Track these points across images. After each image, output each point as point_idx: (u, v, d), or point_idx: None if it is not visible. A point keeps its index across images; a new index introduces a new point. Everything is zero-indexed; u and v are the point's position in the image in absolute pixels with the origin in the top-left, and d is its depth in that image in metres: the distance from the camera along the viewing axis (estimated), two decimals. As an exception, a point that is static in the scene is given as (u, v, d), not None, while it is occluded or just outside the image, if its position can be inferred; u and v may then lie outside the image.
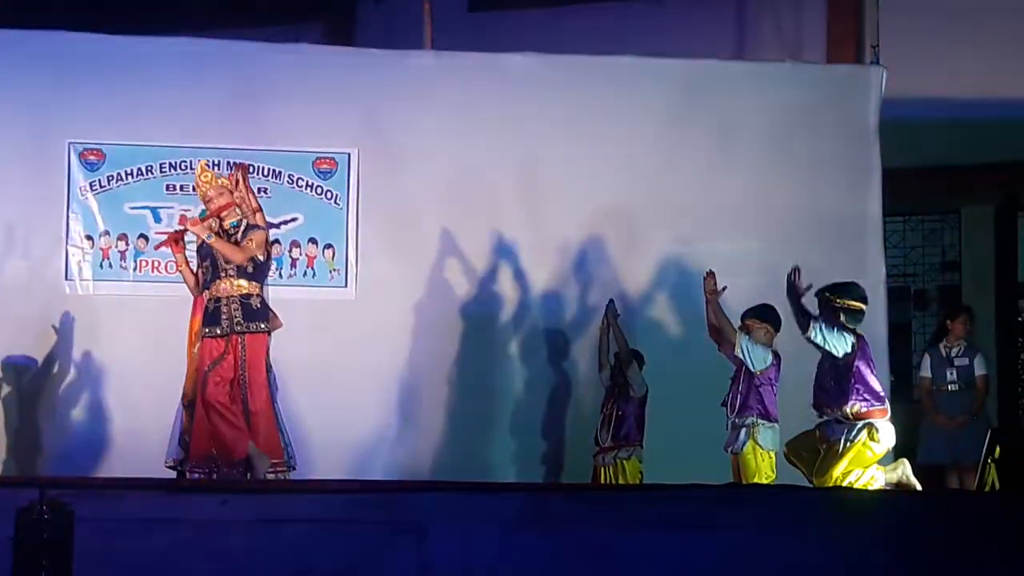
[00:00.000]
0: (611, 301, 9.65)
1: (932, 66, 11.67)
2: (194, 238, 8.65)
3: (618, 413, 9.38)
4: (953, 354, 10.58)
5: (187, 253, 8.80)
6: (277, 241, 9.78)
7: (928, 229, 13.31)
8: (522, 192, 10.30)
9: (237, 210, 8.61)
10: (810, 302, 8.29)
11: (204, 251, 8.57)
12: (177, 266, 8.79)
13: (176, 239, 8.72)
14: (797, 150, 10.38)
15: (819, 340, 8.09)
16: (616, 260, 10.33)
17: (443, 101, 10.30)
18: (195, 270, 8.69)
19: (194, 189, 8.84)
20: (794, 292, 8.14)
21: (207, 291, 8.55)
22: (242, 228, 8.57)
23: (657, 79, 10.47)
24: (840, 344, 8.10)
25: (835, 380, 8.16)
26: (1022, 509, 7.00)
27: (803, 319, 8.10)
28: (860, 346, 8.19)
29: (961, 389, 10.51)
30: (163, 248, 9.01)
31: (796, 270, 8.16)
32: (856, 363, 8.13)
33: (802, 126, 10.39)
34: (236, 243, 8.48)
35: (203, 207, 8.76)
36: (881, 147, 10.38)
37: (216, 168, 9.67)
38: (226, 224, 8.57)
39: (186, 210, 9.51)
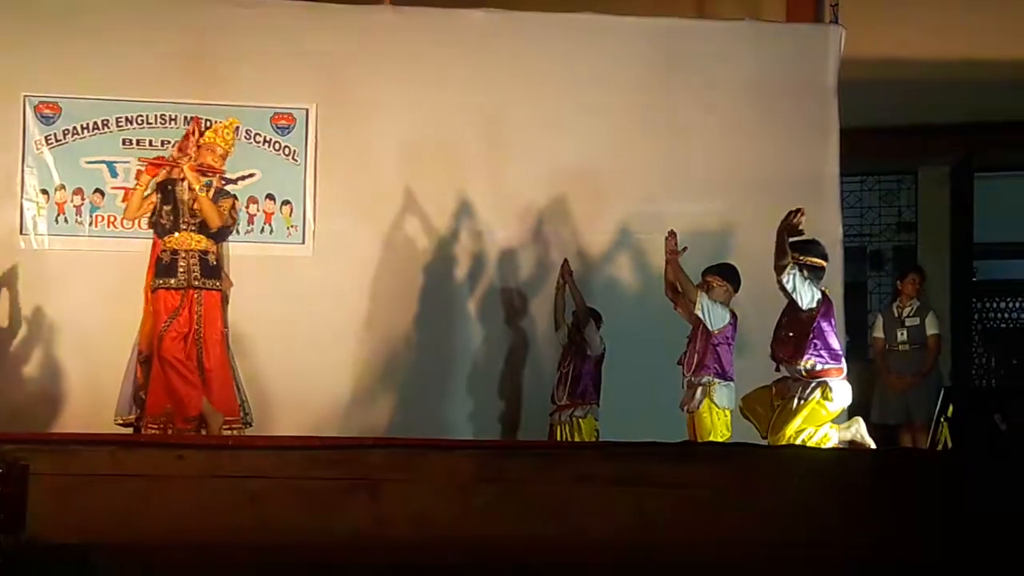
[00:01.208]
0: (565, 261, 9.66)
1: (890, 26, 11.69)
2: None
3: (574, 372, 9.41)
4: (904, 314, 10.68)
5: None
6: (235, 197, 9.73)
7: (884, 189, 13.38)
8: (483, 150, 10.27)
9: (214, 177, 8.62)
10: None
11: (169, 196, 8.53)
12: (139, 181, 8.67)
13: (161, 165, 8.66)
14: (755, 109, 10.38)
15: (790, 286, 8.05)
16: (576, 219, 10.32)
17: (403, 57, 10.24)
18: (144, 197, 8.64)
19: (163, 144, 8.82)
20: (787, 230, 8.06)
21: (163, 241, 8.52)
22: (211, 191, 8.54)
23: (616, 37, 10.43)
24: (807, 296, 8.10)
25: (794, 333, 8.17)
26: (975, 467, 7.06)
27: (782, 260, 8.03)
28: (825, 304, 8.21)
29: (912, 349, 10.60)
30: (143, 162, 8.92)
31: (799, 211, 8.07)
32: (818, 320, 8.13)
33: (761, 85, 10.39)
34: None
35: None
36: (839, 107, 10.40)
37: (173, 123, 9.70)
38: (201, 180, 8.53)
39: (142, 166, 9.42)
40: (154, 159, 8.82)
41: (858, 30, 10.65)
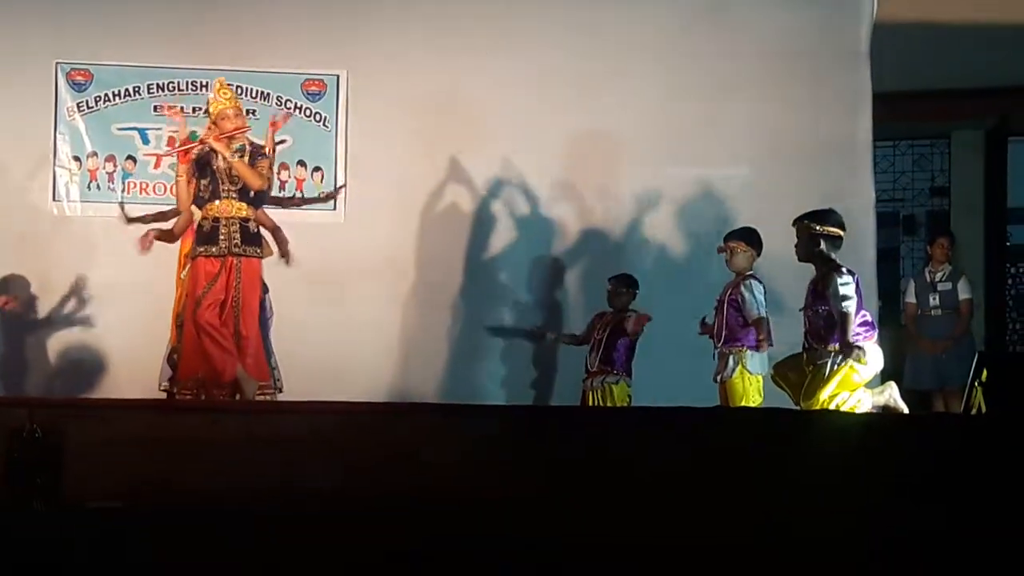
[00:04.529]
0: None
1: (923, -11, 11.63)
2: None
3: (608, 340, 9.36)
4: (937, 279, 10.62)
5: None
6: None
7: (918, 154, 13.31)
8: (516, 115, 10.23)
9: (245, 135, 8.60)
10: (787, 232, 8.22)
11: (205, 170, 8.52)
12: (178, 172, 8.67)
13: (189, 150, 8.66)
14: (788, 74, 10.32)
15: (848, 294, 7.96)
16: (608, 186, 10.31)
17: (433, 21, 10.23)
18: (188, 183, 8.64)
19: (195, 110, 8.82)
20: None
21: (203, 209, 8.52)
22: (247, 153, 8.53)
23: (647, 2, 10.40)
24: (852, 296, 8.00)
25: (826, 321, 8.05)
26: (1008, 432, 7.03)
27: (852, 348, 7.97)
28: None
29: (945, 313, 10.56)
30: (170, 158, 8.91)
31: None
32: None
33: (793, 50, 10.32)
34: None
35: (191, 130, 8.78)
36: (872, 71, 10.34)
37: (204, 89, 9.70)
38: (231, 147, 8.51)
39: (174, 131, 9.44)
40: (181, 146, 8.77)
41: (890, -7, 10.59)
